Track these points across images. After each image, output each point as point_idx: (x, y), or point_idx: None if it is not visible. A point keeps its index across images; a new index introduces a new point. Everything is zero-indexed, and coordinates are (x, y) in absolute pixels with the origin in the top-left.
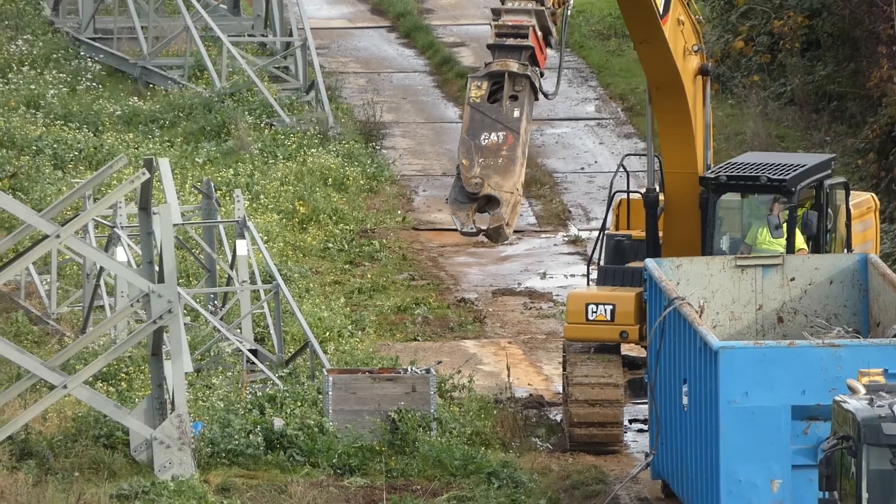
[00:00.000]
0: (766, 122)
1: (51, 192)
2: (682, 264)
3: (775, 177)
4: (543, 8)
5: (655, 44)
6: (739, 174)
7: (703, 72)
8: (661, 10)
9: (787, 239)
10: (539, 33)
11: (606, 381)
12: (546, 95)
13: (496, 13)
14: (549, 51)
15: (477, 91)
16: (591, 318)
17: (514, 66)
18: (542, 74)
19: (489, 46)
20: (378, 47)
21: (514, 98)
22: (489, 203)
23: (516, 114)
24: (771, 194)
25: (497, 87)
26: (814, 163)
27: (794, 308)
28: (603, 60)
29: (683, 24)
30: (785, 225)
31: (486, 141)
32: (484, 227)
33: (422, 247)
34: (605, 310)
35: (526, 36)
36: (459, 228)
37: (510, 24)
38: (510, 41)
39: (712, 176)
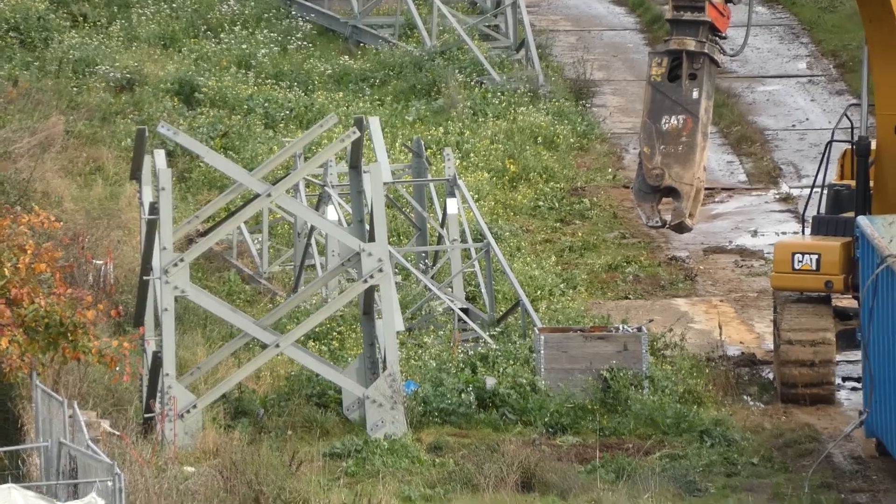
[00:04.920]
0: None
1: (262, 151)
2: (895, 221)
3: None
4: None
5: None
6: None
7: None
8: None
9: None
10: None
11: (817, 315)
12: (733, 55)
13: None
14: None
15: (657, 69)
16: (796, 267)
17: (691, 44)
18: (724, 38)
19: (668, 21)
20: (588, 5)
21: (692, 77)
22: (672, 192)
23: (695, 95)
24: None
25: (677, 63)
26: None
27: None
28: (815, 17)
29: None
30: None
31: (667, 125)
32: (668, 220)
33: (632, 205)
34: (811, 259)
35: (703, 9)
36: (644, 222)
37: None
38: (687, 15)
39: None
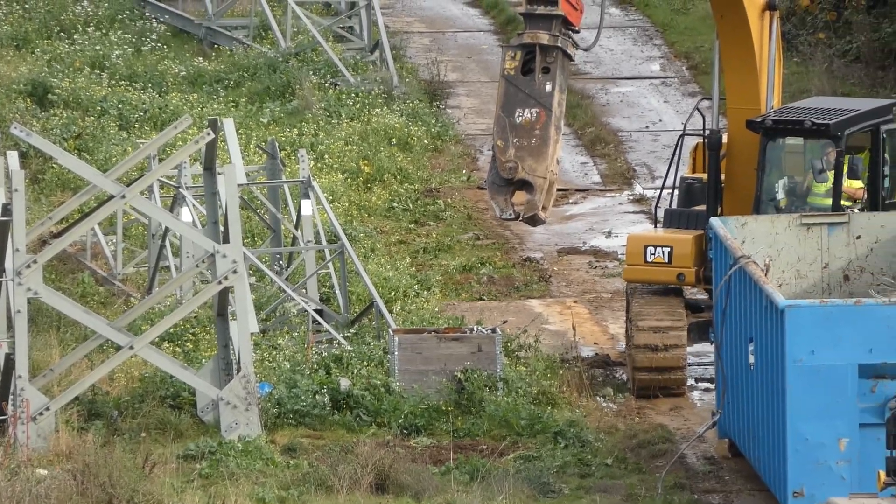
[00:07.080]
0: (831, 79)
1: (116, 152)
2: (748, 222)
3: (821, 121)
4: None
5: None
6: (786, 118)
7: (770, 6)
8: None
9: (834, 184)
10: None
11: (668, 303)
12: (585, 50)
13: None
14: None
15: (511, 62)
16: (649, 259)
17: (544, 38)
18: (577, 31)
19: (521, 14)
20: (442, 7)
21: (546, 71)
22: (525, 185)
23: (548, 88)
24: (817, 139)
25: (530, 56)
26: (869, 108)
27: (860, 266)
28: (668, 19)
29: None
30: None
31: (520, 118)
32: (521, 213)
33: (486, 206)
34: (664, 252)
35: (556, 3)
36: (498, 214)
37: None
38: (540, 9)
39: (759, 120)
